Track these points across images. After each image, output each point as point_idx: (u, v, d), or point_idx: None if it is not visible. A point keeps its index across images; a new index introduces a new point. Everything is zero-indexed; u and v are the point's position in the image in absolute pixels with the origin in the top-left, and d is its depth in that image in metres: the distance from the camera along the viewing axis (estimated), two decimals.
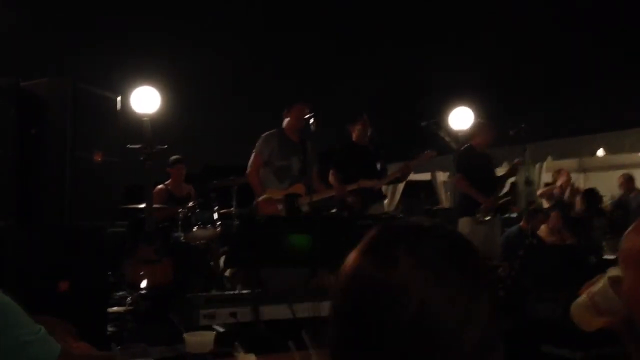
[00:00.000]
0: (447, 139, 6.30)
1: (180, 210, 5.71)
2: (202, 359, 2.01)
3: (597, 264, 4.84)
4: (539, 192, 9.28)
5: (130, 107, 5.80)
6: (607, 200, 8.98)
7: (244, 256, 4.07)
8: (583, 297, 1.45)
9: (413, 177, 7.82)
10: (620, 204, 8.29)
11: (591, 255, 5.05)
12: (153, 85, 6.14)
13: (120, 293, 4.86)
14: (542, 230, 7.30)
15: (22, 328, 1.73)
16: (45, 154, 3.62)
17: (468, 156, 6.32)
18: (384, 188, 6.57)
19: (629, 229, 1.36)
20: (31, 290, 3.29)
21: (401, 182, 7.05)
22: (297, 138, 5.68)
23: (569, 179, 8.82)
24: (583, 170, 11.12)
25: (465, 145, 6.41)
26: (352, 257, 0.87)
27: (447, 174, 10.46)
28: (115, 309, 4.46)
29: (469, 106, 7.67)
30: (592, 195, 8.43)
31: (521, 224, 7.06)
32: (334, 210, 5.93)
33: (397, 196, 11.17)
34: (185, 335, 2.09)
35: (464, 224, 6.14)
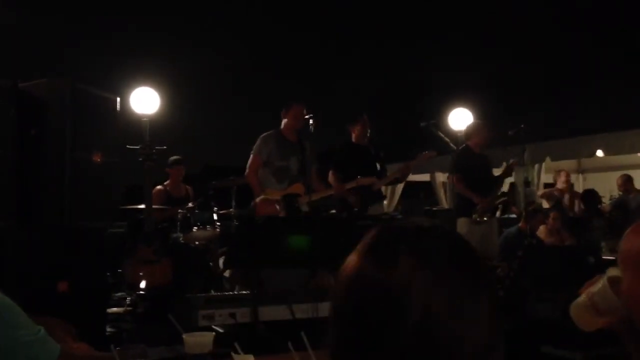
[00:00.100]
0: (446, 139, 6.30)
1: (180, 211, 5.71)
2: None
3: (596, 265, 4.83)
4: (539, 192, 9.28)
5: (129, 108, 5.81)
6: (606, 201, 8.98)
7: (243, 257, 4.07)
8: (582, 297, 1.45)
9: (412, 177, 7.84)
10: (619, 204, 8.29)
11: (590, 255, 5.04)
12: (152, 86, 6.14)
13: (120, 294, 4.86)
14: (541, 230, 7.30)
15: (21, 329, 1.73)
16: (45, 154, 3.62)
17: (465, 157, 6.34)
18: (383, 188, 6.57)
19: (628, 230, 1.36)
20: (31, 290, 3.30)
21: (401, 182, 7.06)
22: (295, 138, 5.69)
23: (569, 179, 8.83)
24: (582, 171, 11.12)
25: (462, 146, 6.42)
26: (352, 258, 0.87)
27: (447, 174, 10.46)
28: (114, 309, 4.46)
29: (469, 106, 7.67)
30: (591, 196, 8.43)
31: (520, 224, 7.06)
32: (333, 211, 5.93)
33: (397, 197, 11.17)
34: (184, 335, 2.09)
35: (461, 225, 6.15)
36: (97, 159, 3.81)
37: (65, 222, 3.60)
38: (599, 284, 1.41)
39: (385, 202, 7.31)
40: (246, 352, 2.10)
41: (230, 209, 5.89)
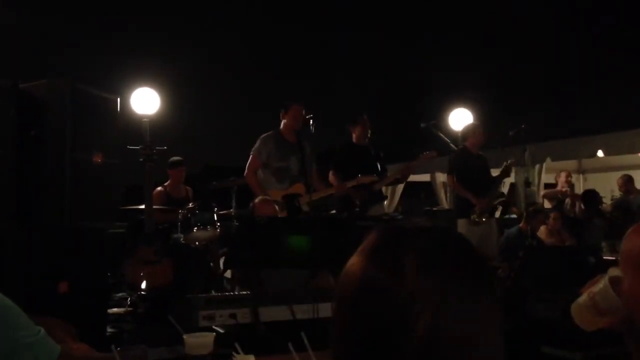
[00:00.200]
0: (446, 139, 6.31)
1: (180, 211, 5.71)
2: None
3: (596, 265, 4.83)
4: (541, 193, 9.27)
5: (130, 108, 5.81)
6: (606, 202, 8.97)
7: (243, 257, 4.07)
8: (584, 297, 1.45)
9: (413, 177, 7.83)
10: (619, 205, 8.28)
11: (590, 256, 5.04)
12: (153, 86, 6.15)
13: (120, 294, 4.85)
14: (542, 231, 7.30)
15: (21, 330, 1.73)
16: (45, 154, 3.62)
17: (462, 157, 6.36)
18: (384, 189, 6.58)
19: (630, 230, 1.36)
20: (31, 290, 3.30)
21: (402, 182, 7.06)
22: (294, 138, 5.70)
23: (570, 180, 8.82)
24: (582, 171, 11.11)
25: (460, 147, 6.44)
26: (355, 260, 0.85)
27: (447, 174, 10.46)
28: (114, 310, 4.45)
29: (469, 107, 7.69)
30: (591, 196, 8.43)
31: (521, 225, 7.06)
32: (333, 211, 5.93)
33: (397, 197, 11.17)
34: (184, 336, 2.09)
35: (460, 226, 6.17)
36: (98, 159, 3.81)
37: (65, 222, 3.60)
38: (600, 284, 1.41)
39: (385, 202, 7.31)
40: (247, 352, 2.10)
41: (231, 210, 5.89)
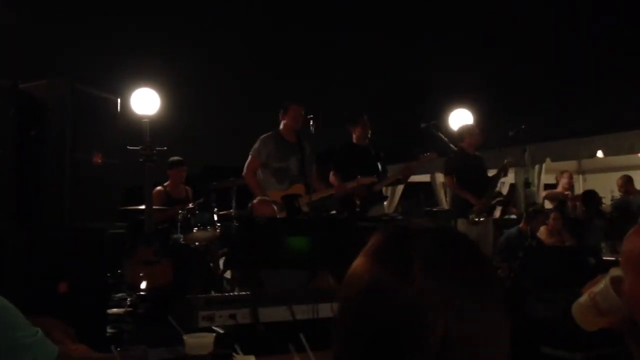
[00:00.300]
0: (446, 140, 6.32)
1: (180, 211, 5.71)
2: None
3: (596, 265, 4.83)
4: (543, 193, 9.27)
5: (130, 109, 5.81)
6: (606, 202, 8.97)
7: (243, 258, 4.07)
8: (584, 297, 1.44)
9: (412, 178, 7.84)
10: (619, 205, 8.28)
11: (591, 256, 5.04)
12: (153, 86, 6.15)
13: (120, 294, 4.85)
14: (542, 231, 7.30)
15: (20, 330, 1.73)
16: (45, 155, 3.62)
17: (458, 158, 6.40)
18: (384, 189, 6.58)
19: (631, 231, 1.36)
20: (31, 291, 3.30)
21: (402, 183, 7.07)
22: (294, 139, 5.70)
23: (571, 181, 8.81)
24: (582, 171, 11.11)
25: (456, 148, 6.48)
26: (361, 262, 0.84)
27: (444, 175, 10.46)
28: (114, 310, 4.45)
29: (469, 107, 7.69)
30: (591, 197, 8.43)
31: (521, 225, 7.06)
32: (333, 212, 5.93)
33: (397, 197, 11.17)
34: (184, 337, 2.09)
35: (459, 226, 6.18)
36: (98, 159, 3.81)
37: (65, 222, 3.60)
38: (601, 284, 1.41)
39: (385, 202, 7.31)
40: (246, 353, 2.10)
41: (231, 210, 5.89)
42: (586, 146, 8.96)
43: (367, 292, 0.81)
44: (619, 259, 1.38)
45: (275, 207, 5.06)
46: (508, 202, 9.10)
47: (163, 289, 4.64)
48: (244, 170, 5.71)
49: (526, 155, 6.79)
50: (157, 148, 5.15)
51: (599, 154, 9.06)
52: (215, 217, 5.67)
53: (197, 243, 5.70)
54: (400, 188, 10.56)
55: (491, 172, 6.77)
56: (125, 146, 4.85)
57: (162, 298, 4.41)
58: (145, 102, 5.99)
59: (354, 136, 6.19)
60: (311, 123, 5.49)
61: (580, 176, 11.06)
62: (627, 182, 8.39)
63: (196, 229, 5.64)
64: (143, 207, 5.22)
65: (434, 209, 9.62)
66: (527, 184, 8.27)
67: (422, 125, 6.23)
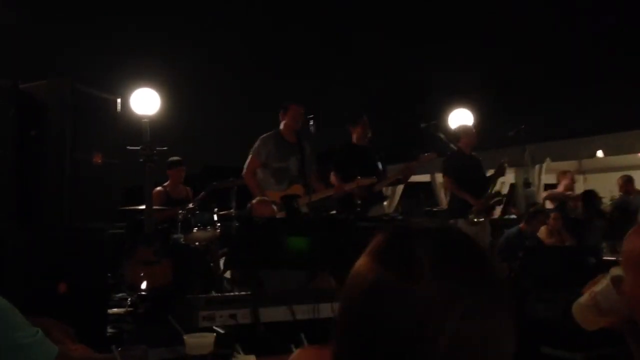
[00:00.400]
0: (446, 140, 6.33)
1: (180, 211, 5.71)
2: None
3: (596, 265, 4.83)
4: (545, 194, 9.26)
5: (130, 109, 5.80)
6: (606, 202, 8.97)
7: (243, 258, 4.07)
8: (585, 297, 1.44)
9: (412, 178, 7.84)
10: (619, 205, 8.28)
11: (591, 256, 5.04)
12: (153, 86, 6.14)
13: (120, 294, 4.85)
14: (542, 231, 7.30)
15: (19, 330, 1.72)
16: (45, 155, 3.62)
17: (455, 159, 6.41)
18: (384, 189, 6.58)
19: (631, 230, 1.36)
20: (31, 291, 3.30)
21: (403, 183, 7.07)
22: (294, 139, 5.69)
23: (572, 181, 8.81)
24: (583, 171, 11.11)
25: (453, 149, 6.49)
26: (365, 262, 0.83)
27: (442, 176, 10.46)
28: (114, 310, 4.45)
29: (469, 107, 7.68)
30: (591, 197, 8.43)
31: (521, 225, 7.06)
32: (333, 212, 5.93)
33: (397, 197, 11.17)
34: (185, 336, 2.09)
35: (459, 226, 6.18)
36: (98, 160, 3.81)
37: (65, 222, 3.60)
38: (602, 284, 1.41)
39: (385, 202, 7.31)
40: (247, 353, 2.10)
41: (231, 210, 5.89)
42: (586, 146, 8.97)
43: (371, 292, 0.80)
44: (619, 258, 1.38)
45: (274, 208, 5.06)
46: (509, 202, 9.10)
47: (163, 289, 4.64)
48: (244, 170, 5.72)
49: (526, 155, 6.80)
50: (157, 148, 5.14)
51: (599, 153, 9.07)
52: (216, 217, 5.67)
53: (197, 243, 5.70)
54: (400, 188, 10.56)
55: (489, 172, 6.78)
56: (126, 146, 4.84)
57: (162, 298, 4.41)
58: (145, 102, 5.98)
59: (354, 136, 6.18)
60: (311, 123, 5.48)
61: (581, 176, 11.07)
62: (628, 182, 8.39)
63: (196, 229, 5.63)
64: (143, 207, 5.22)
65: (434, 209, 9.63)
66: (527, 184, 8.27)
67: (422, 125, 6.24)
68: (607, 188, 9.36)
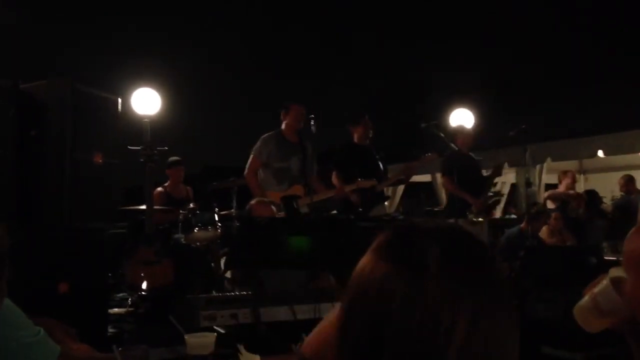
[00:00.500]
0: (446, 140, 6.33)
1: (181, 211, 5.71)
2: None
3: (597, 265, 4.83)
4: (543, 194, 9.26)
5: (130, 109, 5.79)
6: (607, 202, 8.97)
7: (244, 257, 4.07)
8: (586, 299, 1.43)
9: (413, 178, 7.85)
10: (620, 205, 8.28)
11: (592, 256, 5.03)
12: (153, 86, 6.13)
13: (121, 294, 4.85)
14: (543, 231, 7.29)
15: (21, 330, 1.72)
16: (45, 155, 3.62)
17: (453, 159, 6.42)
18: (385, 189, 6.57)
19: (632, 230, 1.35)
20: (31, 291, 3.29)
21: (404, 183, 7.07)
22: (296, 139, 5.69)
23: (574, 180, 8.80)
24: (583, 171, 11.11)
25: (451, 149, 6.50)
26: (370, 261, 0.82)
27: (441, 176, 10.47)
28: (115, 310, 4.45)
29: (469, 107, 7.67)
30: (592, 197, 8.42)
31: (521, 225, 7.06)
32: (334, 212, 5.93)
33: (398, 197, 11.17)
34: (186, 336, 2.08)
35: None
36: (98, 159, 3.81)
37: (65, 222, 3.60)
38: (602, 284, 1.40)
39: (386, 202, 7.31)
40: (249, 352, 2.10)
41: (232, 210, 5.89)
42: (587, 146, 8.96)
43: (378, 290, 0.78)
44: (620, 258, 1.38)
45: (274, 208, 5.05)
46: (509, 202, 9.09)
47: (164, 289, 4.64)
48: (246, 170, 5.71)
49: (527, 155, 6.79)
50: (158, 148, 5.14)
51: (600, 153, 9.06)
52: (216, 217, 5.67)
53: (198, 243, 5.70)
54: (401, 188, 10.56)
55: (486, 172, 6.79)
56: (126, 146, 4.84)
57: (163, 298, 4.41)
58: (145, 102, 5.97)
59: (355, 136, 6.18)
60: (312, 123, 5.48)
61: (582, 176, 11.07)
62: (629, 181, 8.38)
63: (197, 229, 5.64)
64: (144, 207, 5.22)
65: (435, 209, 9.62)
66: (528, 184, 8.27)
67: (423, 125, 6.24)
68: (608, 188, 9.35)
